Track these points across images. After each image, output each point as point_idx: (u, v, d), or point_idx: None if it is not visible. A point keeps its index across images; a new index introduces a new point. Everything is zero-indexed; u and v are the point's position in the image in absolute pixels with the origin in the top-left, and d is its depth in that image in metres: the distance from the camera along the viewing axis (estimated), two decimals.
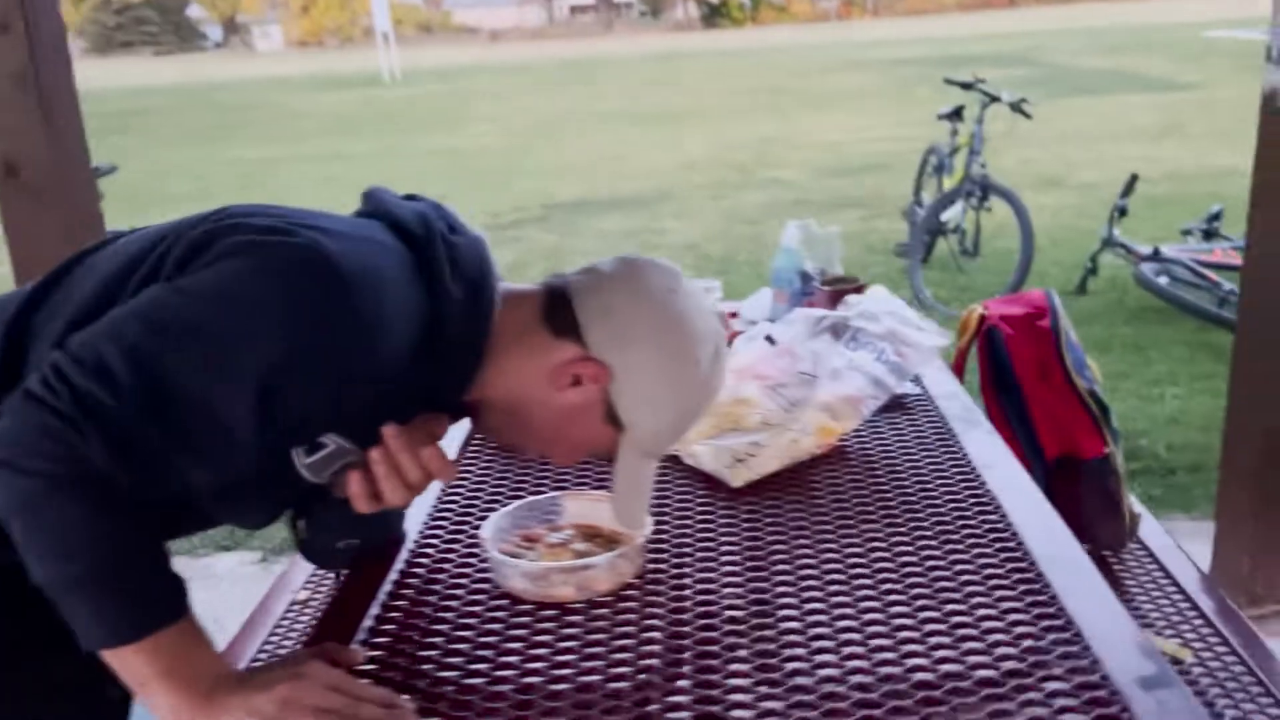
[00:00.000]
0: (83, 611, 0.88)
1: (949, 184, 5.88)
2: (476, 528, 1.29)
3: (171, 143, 14.26)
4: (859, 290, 1.78)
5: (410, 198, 1.10)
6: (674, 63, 24.12)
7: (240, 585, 2.90)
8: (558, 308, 1.06)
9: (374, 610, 1.14)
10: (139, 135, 14.80)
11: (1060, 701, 0.93)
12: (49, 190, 2.25)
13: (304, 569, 1.86)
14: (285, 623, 1.74)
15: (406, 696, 0.97)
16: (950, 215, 5.76)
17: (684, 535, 1.27)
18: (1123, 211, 5.22)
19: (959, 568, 1.16)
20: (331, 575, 1.73)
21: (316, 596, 1.81)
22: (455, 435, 1.49)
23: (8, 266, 2.30)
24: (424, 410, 1.06)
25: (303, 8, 70.09)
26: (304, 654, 1.01)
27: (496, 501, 1.34)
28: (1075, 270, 5.41)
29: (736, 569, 1.19)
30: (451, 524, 1.32)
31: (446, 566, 1.22)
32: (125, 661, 0.89)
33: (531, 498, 1.29)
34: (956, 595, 1.11)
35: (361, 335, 0.92)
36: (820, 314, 1.55)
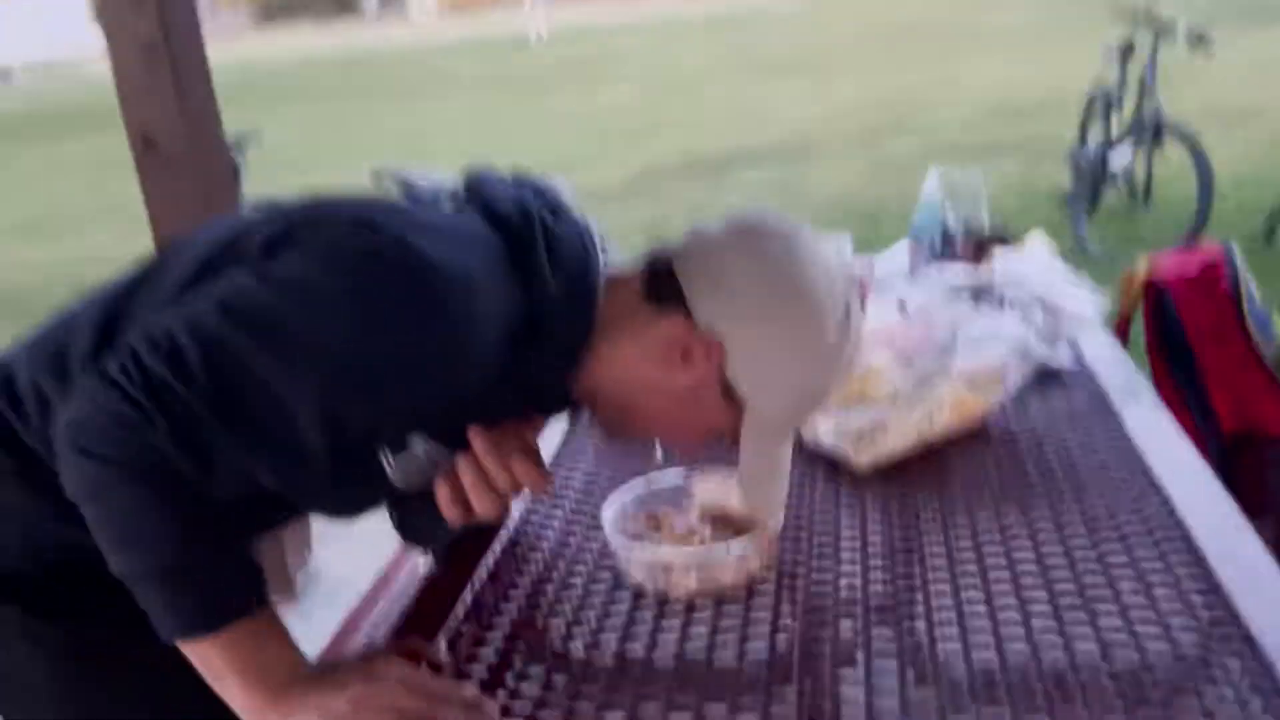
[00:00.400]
0: (156, 602, 0.86)
1: (1118, 125, 5.46)
2: (592, 509, 1.22)
3: (331, 110, 14.75)
4: (1005, 244, 1.62)
5: (516, 180, 1.02)
6: (815, 9, 23.42)
7: (380, 546, 2.95)
8: (660, 280, 0.97)
9: (469, 597, 1.09)
10: (300, 101, 15.37)
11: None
12: (185, 161, 2.29)
13: None
14: (406, 593, 1.73)
15: (499, 694, 0.91)
16: (1119, 160, 5.35)
17: (800, 525, 1.16)
18: None
19: (1116, 570, 1.02)
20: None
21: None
22: (560, 423, 1.43)
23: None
24: (527, 408, 0.99)
25: None
26: (384, 649, 0.96)
27: (620, 481, 1.26)
28: (1261, 217, 4.94)
29: (864, 562, 1.08)
30: (571, 505, 1.25)
31: (567, 551, 1.16)
32: (200, 654, 0.86)
33: (657, 474, 1.20)
34: (1106, 595, 0.97)
35: (447, 339, 0.86)
36: (959, 274, 1.40)
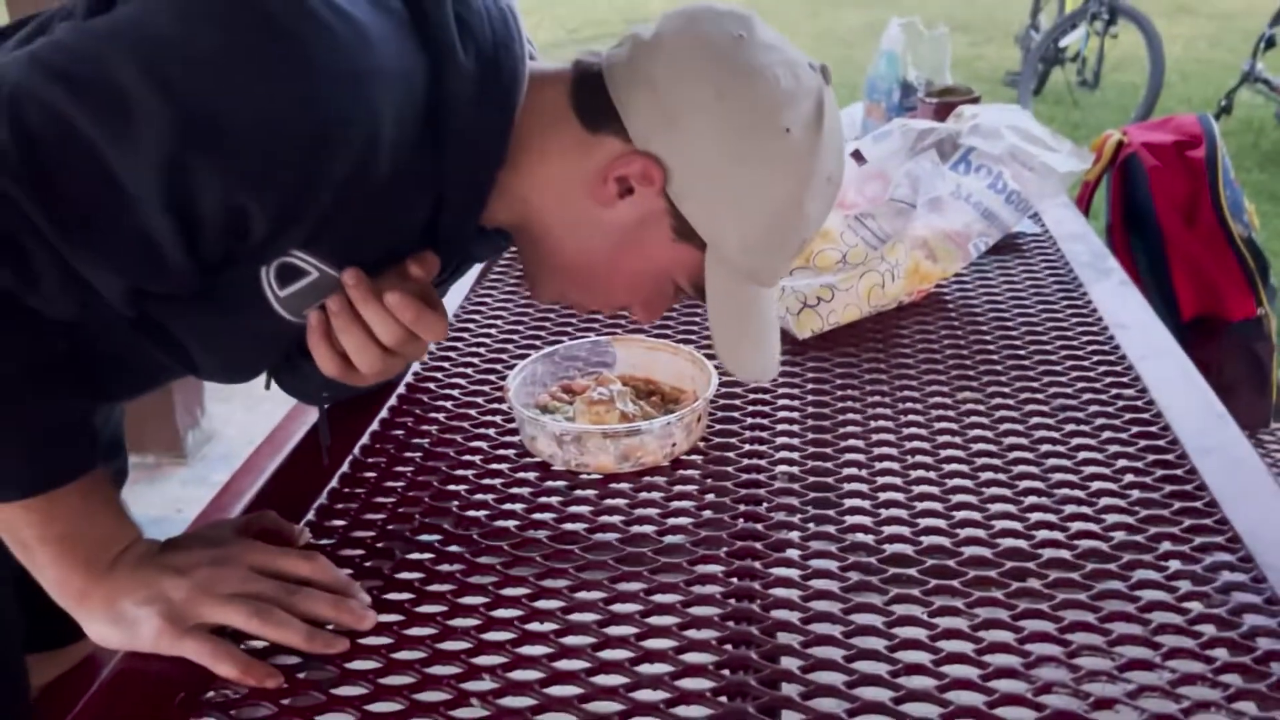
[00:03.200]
0: None
1: (1071, 6, 5.29)
2: (501, 369, 1.07)
3: None
4: (973, 102, 1.47)
5: None
6: None
7: (282, 407, 2.78)
8: (589, 92, 0.77)
9: (348, 467, 0.94)
10: None
11: (1208, 629, 0.70)
12: None
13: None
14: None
15: (376, 582, 0.76)
16: (1070, 41, 5.21)
17: (732, 397, 1.02)
18: (1270, 43, 4.63)
19: (1083, 453, 0.91)
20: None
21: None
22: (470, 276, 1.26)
23: None
24: (431, 247, 0.78)
25: None
26: (232, 523, 0.80)
27: (534, 348, 1.10)
28: (1206, 108, 4.86)
29: (801, 438, 0.95)
30: (477, 371, 1.09)
31: (464, 413, 1.01)
32: (7, 521, 0.70)
33: (575, 341, 1.05)
34: (1075, 481, 0.86)
35: (320, 96, 0.64)
36: (924, 125, 1.24)
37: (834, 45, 6.91)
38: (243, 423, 2.72)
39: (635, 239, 0.79)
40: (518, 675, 0.69)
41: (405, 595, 0.77)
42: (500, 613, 0.75)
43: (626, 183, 0.76)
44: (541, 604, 0.75)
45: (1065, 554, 0.78)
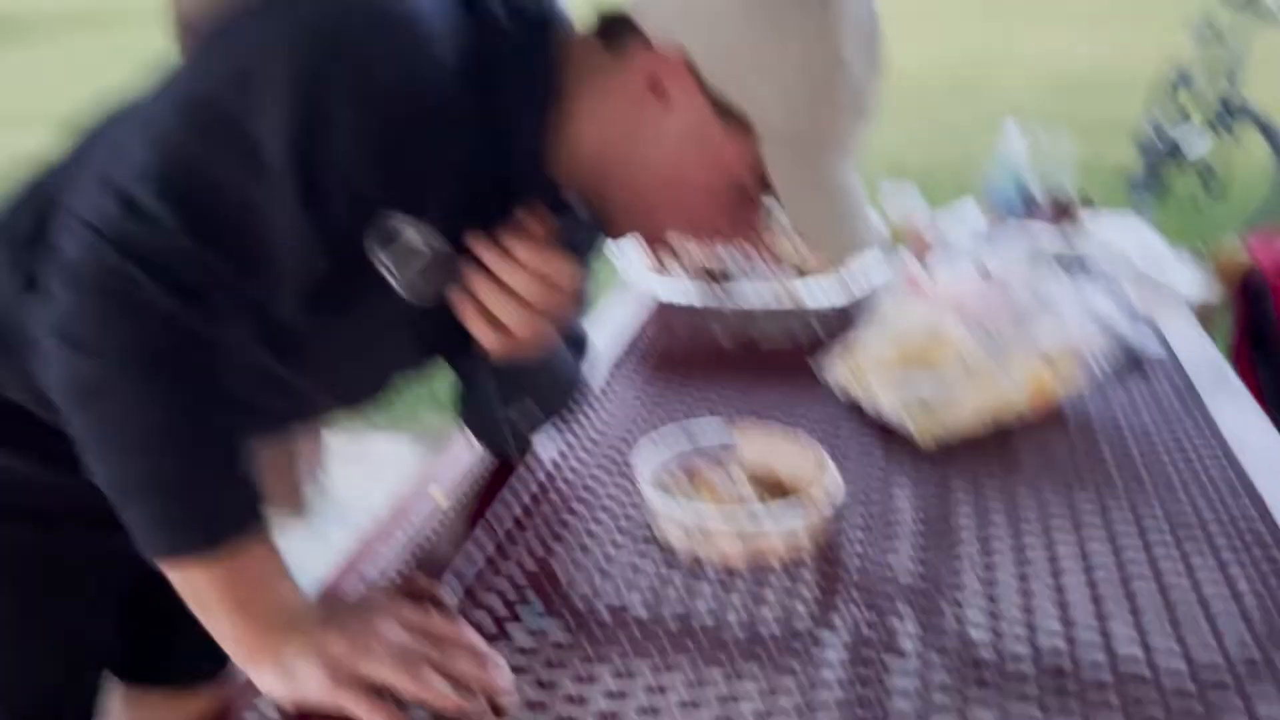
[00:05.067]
0: (147, 514, 0.75)
1: (1194, 109, 5.24)
2: (625, 455, 1.12)
3: None
4: (1093, 213, 1.49)
5: None
6: None
7: (395, 470, 2.88)
8: (607, 19, 0.83)
9: (484, 538, 1.00)
10: None
11: None
12: None
13: (448, 463, 1.76)
14: (419, 521, 1.65)
15: (506, 648, 0.82)
16: (1193, 145, 5.13)
17: (854, 499, 1.05)
18: None
19: (1202, 572, 0.91)
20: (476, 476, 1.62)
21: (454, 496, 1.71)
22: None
23: None
24: (507, 201, 0.84)
25: None
26: (388, 589, 0.87)
27: (652, 427, 1.15)
28: None
29: (921, 545, 0.97)
30: (598, 449, 1.15)
31: (587, 498, 1.06)
32: (189, 579, 0.77)
33: (697, 420, 1.09)
34: (1194, 602, 0.87)
35: (391, 70, 0.73)
36: (1045, 238, 1.28)
37: (947, 140, 6.94)
38: (360, 484, 2.84)
39: (688, 141, 0.80)
40: None
41: (537, 660, 0.82)
42: (628, 682, 0.79)
43: (658, 82, 0.79)
44: (663, 697, 0.78)
45: (1188, 682, 0.78)
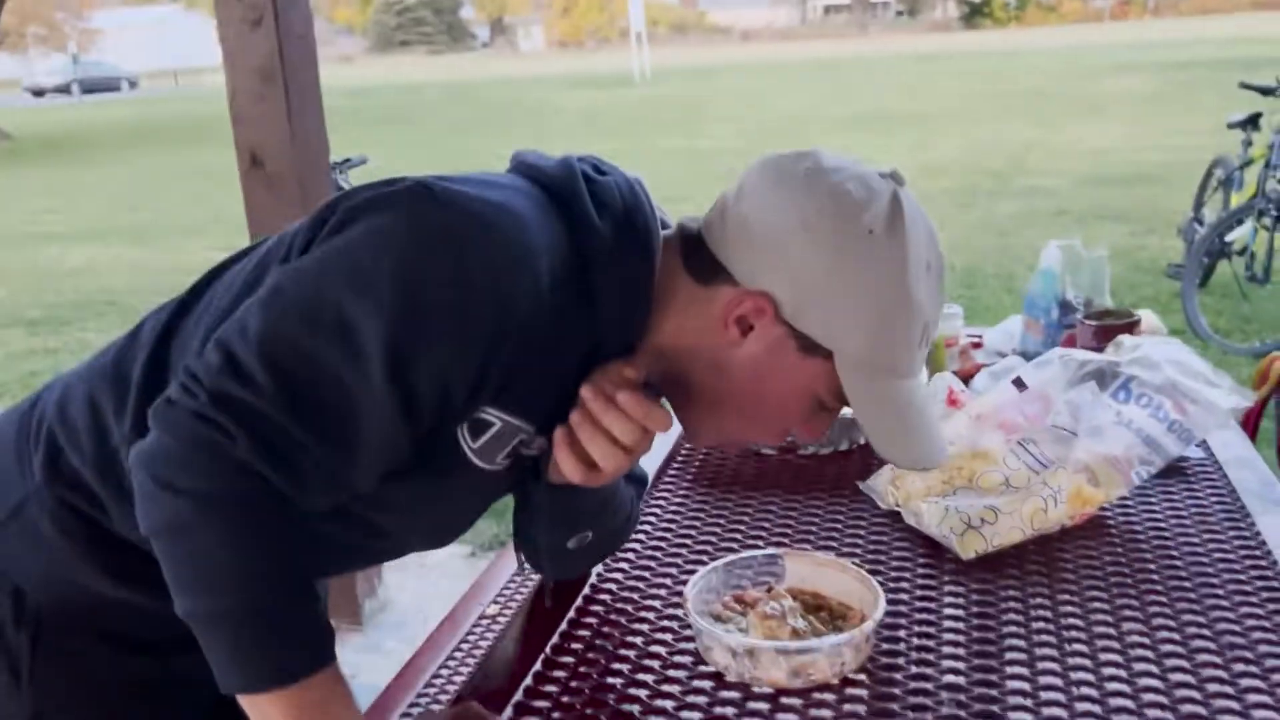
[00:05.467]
0: (223, 649, 0.81)
1: (1237, 200, 5.25)
2: (681, 582, 1.15)
3: (436, 136, 15.05)
4: (1132, 328, 1.52)
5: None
6: (928, 63, 23.25)
7: (448, 579, 2.92)
8: (694, 252, 0.90)
9: (539, 666, 1.03)
10: (407, 126, 15.73)
11: None
12: (289, 181, 2.31)
13: (499, 577, 1.79)
14: (472, 637, 1.68)
15: None
16: (1237, 235, 5.14)
17: (899, 615, 1.08)
18: None
19: (1245, 681, 0.92)
20: (525, 589, 1.64)
21: (505, 613, 1.73)
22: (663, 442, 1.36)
23: None
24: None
25: (564, 9, 72.80)
26: (444, 714, 0.90)
27: (703, 556, 1.19)
28: None
29: (968, 661, 0.99)
30: (653, 575, 1.19)
31: (639, 625, 1.09)
32: (260, 709, 0.81)
33: (746, 553, 1.13)
34: (1238, 711, 0.87)
35: (490, 280, 0.80)
36: (1084, 356, 1.31)
37: (988, 235, 6.98)
38: (415, 591, 2.87)
39: (769, 366, 0.88)
40: None
41: None
42: None
43: (745, 321, 0.87)
44: None
45: None
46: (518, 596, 1.61)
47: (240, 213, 2.37)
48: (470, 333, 0.81)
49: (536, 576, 1.18)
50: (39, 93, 33.81)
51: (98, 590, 0.95)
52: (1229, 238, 5.15)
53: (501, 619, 1.67)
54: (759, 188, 0.88)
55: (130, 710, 0.99)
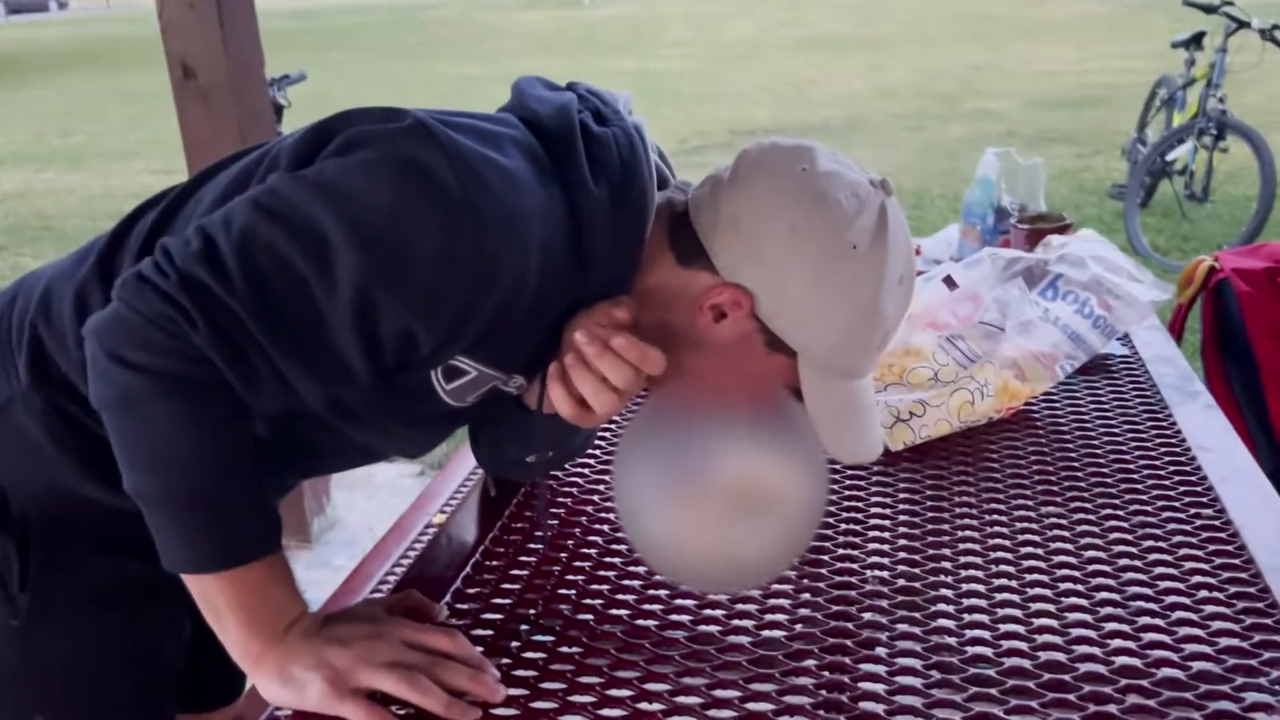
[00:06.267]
0: (167, 528, 0.82)
1: (1179, 120, 5.31)
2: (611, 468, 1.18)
3: (377, 59, 14.70)
4: (1064, 231, 1.55)
5: (569, 85, 0.96)
6: None
7: (398, 497, 2.93)
8: (680, 231, 0.90)
9: (479, 556, 1.05)
10: (353, 50, 15.34)
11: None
12: (223, 94, 2.25)
13: (446, 487, 1.81)
14: (418, 545, 1.70)
15: (502, 660, 0.87)
16: (1178, 154, 5.20)
17: (830, 499, 1.11)
18: None
19: (1159, 569, 0.96)
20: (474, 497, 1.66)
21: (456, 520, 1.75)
22: None
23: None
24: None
25: None
26: (385, 602, 0.92)
27: (637, 439, 1.20)
28: None
29: (891, 546, 1.02)
30: (597, 463, 1.21)
31: (585, 510, 1.11)
32: (203, 588, 0.83)
33: (679, 440, 1.15)
34: (1151, 597, 0.92)
35: (478, 247, 0.79)
36: (1013, 255, 1.33)
37: (938, 157, 7.01)
38: (363, 509, 2.89)
39: (733, 354, 0.90)
40: None
41: (530, 673, 0.87)
42: (614, 692, 0.84)
43: (720, 310, 0.88)
44: (650, 686, 0.84)
45: (1137, 661, 0.83)
46: (466, 504, 1.62)
47: (177, 135, 2.31)
48: (445, 296, 0.80)
49: (480, 472, 1.19)
50: None
51: (87, 494, 0.94)
52: (1170, 157, 5.21)
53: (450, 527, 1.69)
54: (752, 179, 0.88)
55: (121, 613, 1.00)
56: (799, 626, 0.91)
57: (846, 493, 1.13)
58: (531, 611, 0.95)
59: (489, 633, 0.93)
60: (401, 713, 0.82)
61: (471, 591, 0.99)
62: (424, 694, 0.81)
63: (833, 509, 1.10)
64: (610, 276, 0.88)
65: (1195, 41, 5.31)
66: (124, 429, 0.81)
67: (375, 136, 0.81)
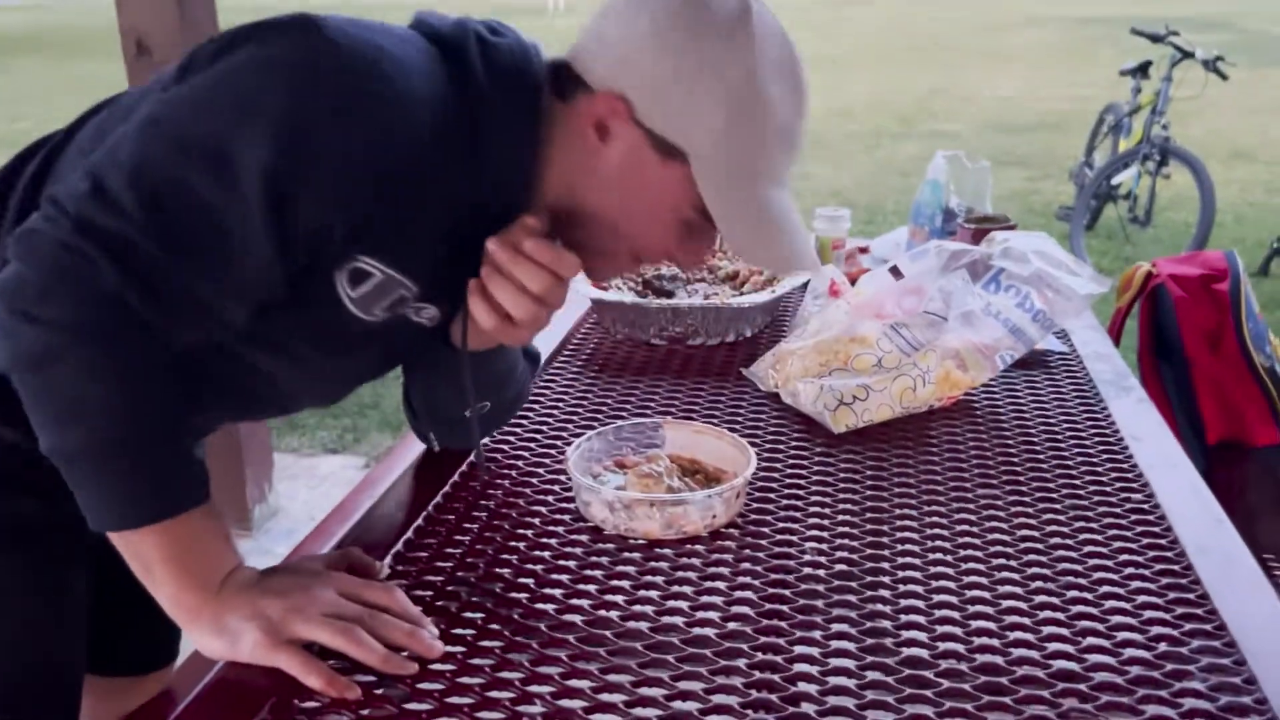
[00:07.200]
0: (91, 486, 0.80)
1: (1125, 146, 5.45)
2: (561, 449, 1.18)
3: None
4: (1008, 230, 1.58)
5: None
6: (840, 8, 23.31)
7: (340, 489, 2.90)
8: (559, 75, 0.91)
9: (421, 521, 1.05)
10: None
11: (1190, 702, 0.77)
12: None
13: (390, 475, 1.80)
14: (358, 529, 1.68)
15: (440, 623, 0.87)
16: (1123, 179, 5.34)
17: (769, 482, 1.12)
18: None
19: (1089, 548, 0.99)
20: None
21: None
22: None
23: None
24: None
25: None
26: (324, 557, 0.92)
27: (588, 429, 1.21)
28: (1259, 250, 4.94)
29: (831, 528, 1.04)
30: (539, 446, 1.21)
31: (524, 489, 1.11)
32: (132, 542, 0.81)
33: (629, 421, 1.16)
34: (1082, 579, 0.94)
35: (372, 122, 0.79)
36: (958, 248, 1.36)
37: (891, 175, 7.11)
38: (306, 500, 2.85)
39: (633, 175, 0.89)
40: (564, 703, 0.78)
41: (468, 631, 0.87)
42: (545, 666, 0.84)
43: (602, 124, 0.89)
44: (583, 665, 0.83)
45: (1075, 665, 0.83)
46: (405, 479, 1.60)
47: None
48: (351, 172, 0.80)
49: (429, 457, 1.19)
50: None
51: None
52: (1115, 181, 5.34)
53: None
54: (615, 6, 0.90)
55: (16, 554, 0.97)
56: (735, 602, 0.91)
57: (790, 471, 1.14)
58: (471, 577, 0.95)
59: (428, 593, 0.92)
60: (337, 666, 0.82)
61: (411, 555, 0.99)
62: (359, 646, 0.81)
63: (775, 484, 1.11)
64: (506, 173, 0.89)
65: (1142, 70, 5.45)
66: (39, 386, 0.78)
67: (259, 31, 0.82)
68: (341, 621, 0.82)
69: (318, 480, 2.97)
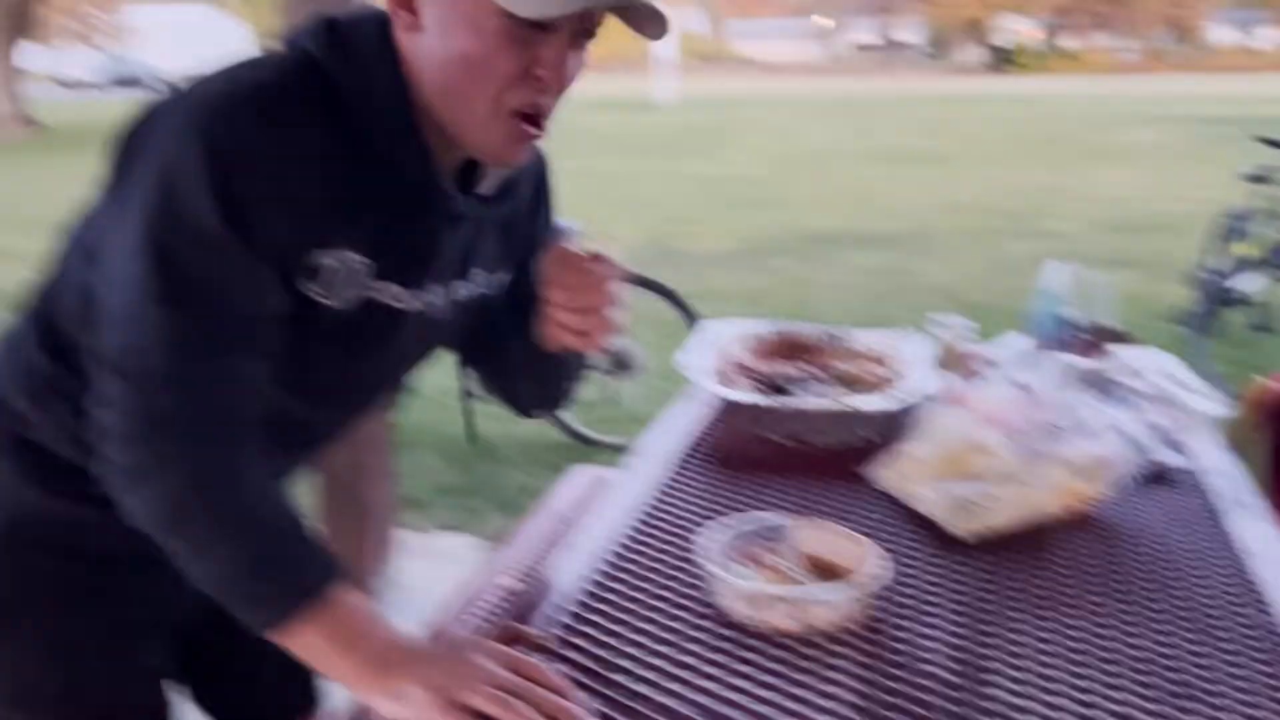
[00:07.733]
0: (242, 596, 0.93)
1: (1241, 250, 5.34)
2: (688, 539, 1.25)
3: None
4: (1127, 343, 1.62)
5: None
6: (952, 105, 23.40)
7: (456, 565, 3.01)
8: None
9: (561, 613, 1.13)
10: None
11: None
12: None
13: (514, 555, 1.88)
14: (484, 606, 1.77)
15: (584, 695, 0.94)
16: (1246, 285, 5.22)
17: (902, 585, 1.17)
18: None
19: (1205, 670, 1.01)
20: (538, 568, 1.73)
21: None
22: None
23: None
24: (426, 208, 1.01)
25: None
26: (485, 632, 1.00)
27: (714, 516, 1.29)
28: None
29: (950, 630, 1.08)
30: (663, 533, 1.29)
31: (653, 576, 1.19)
32: (304, 641, 0.92)
33: (756, 513, 1.23)
34: (1201, 695, 0.96)
35: (253, 172, 0.90)
36: (1077, 360, 1.41)
37: (1001, 274, 7.08)
38: (426, 579, 2.96)
39: (446, 22, 0.92)
40: None
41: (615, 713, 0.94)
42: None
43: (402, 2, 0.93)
44: None
45: None
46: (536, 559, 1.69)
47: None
48: (274, 173, 0.91)
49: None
50: (68, 85, 34.26)
51: (30, 500, 1.05)
52: (1238, 286, 5.23)
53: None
54: None
55: (77, 621, 1.09)
56: (861, 701, 0.96)
57: (908, 573, 1.19)
58: (605, 654, 1.02)
59: (585, 671, 1.00)
60: None
61: (573, 641, 1.06)
62: (517, 713, 0.88)
63: (892, 587, 1.16)
64: (385, 120, 0.95)
65: (1261, 176, 5.37)
66: (175, 540, 0.93)
67: (143, 146, 0.92)
68: (502, 690, 0.90)
69: (436, 558, 3.08)
